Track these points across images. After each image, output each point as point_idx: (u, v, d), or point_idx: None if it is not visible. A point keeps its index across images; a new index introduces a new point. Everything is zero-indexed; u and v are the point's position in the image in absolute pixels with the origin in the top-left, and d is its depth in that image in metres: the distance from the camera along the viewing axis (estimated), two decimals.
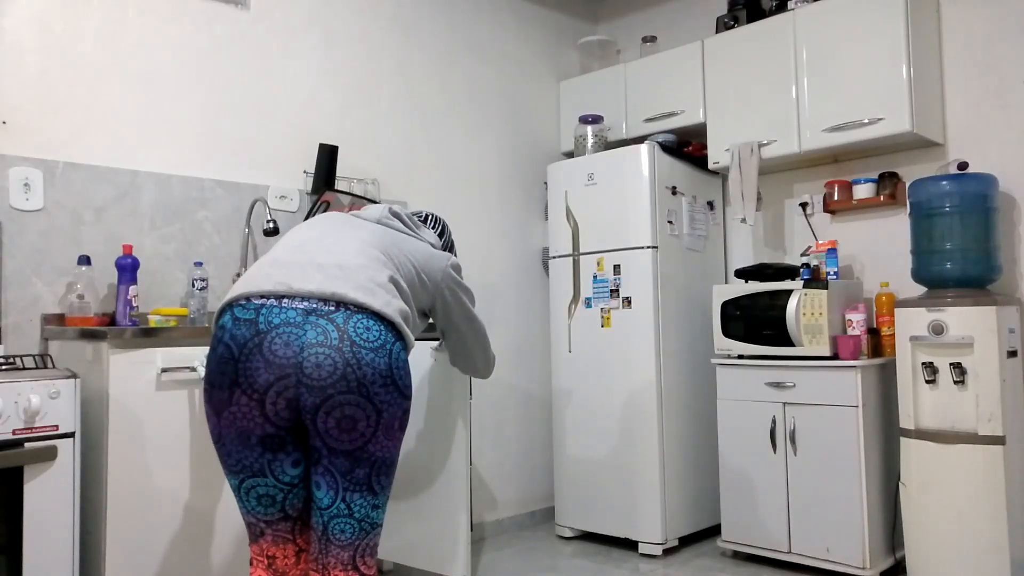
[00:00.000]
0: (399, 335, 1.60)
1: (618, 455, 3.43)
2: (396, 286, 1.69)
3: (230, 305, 1.56)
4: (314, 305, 1.51)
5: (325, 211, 3.02)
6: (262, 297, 1.52)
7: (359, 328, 1.50)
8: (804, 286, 3.05)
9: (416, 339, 2.84)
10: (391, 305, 1.58)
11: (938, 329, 2.70)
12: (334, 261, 1.61)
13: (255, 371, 1.47)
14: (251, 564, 1.66)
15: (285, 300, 1.52)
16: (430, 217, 2.20)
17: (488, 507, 3.71)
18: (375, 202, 3.18)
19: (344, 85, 3.31)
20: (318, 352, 1.46)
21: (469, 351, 2.16)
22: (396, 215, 1.94)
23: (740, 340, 3.23)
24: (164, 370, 2.16)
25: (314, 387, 1.46)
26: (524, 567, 3.21)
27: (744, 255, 3.75)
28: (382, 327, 1.55)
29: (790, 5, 3.32)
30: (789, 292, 3.08)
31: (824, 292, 2.99)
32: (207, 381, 1.55)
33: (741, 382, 3.19)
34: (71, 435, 2.02)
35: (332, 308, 1.51)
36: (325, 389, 1.46)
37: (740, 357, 3.24)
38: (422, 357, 2.71)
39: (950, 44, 3.14)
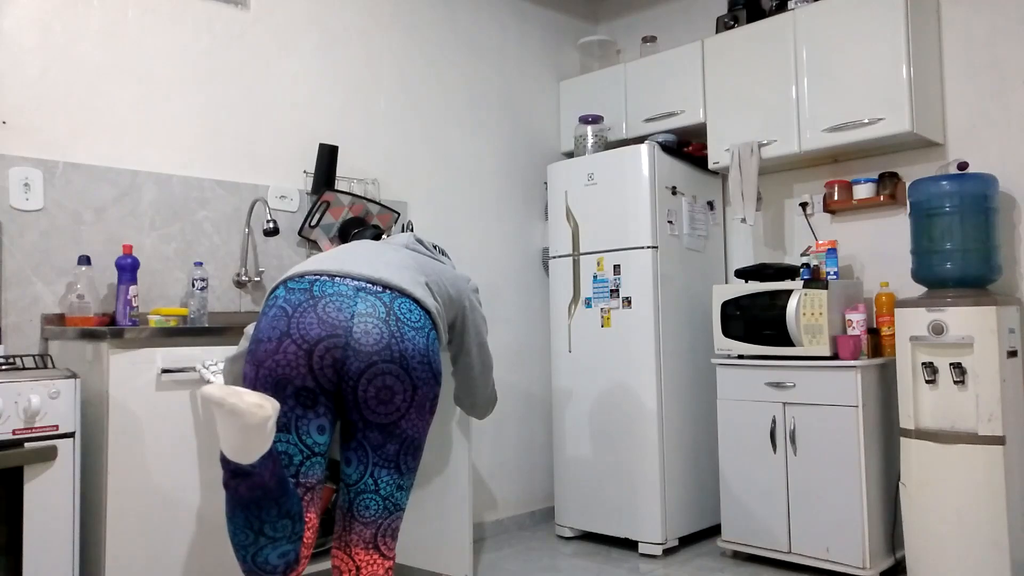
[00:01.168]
0: (435, 326, 1.70)
1: (618, 455, 3.43)
2: (430, 291, 1.79)
3: (283, 282, 1.68)
4: (363, 285, 1.61)
5: (325, 211, 3.03)
6: (316, 275, 1.62)
7: (403, 308, 1.60)
8: (804, 286, 3.05)
9: None
10: (429, 299, 1.69)
11: (938, 329, 2.70)
12: (381, 261, 1.72)
13: (308, 325, 1.55)
14: None
15: (338, 278, 1.62)
16: (437, 247, 2.27)
17: (488, 507, 3.71)
18: (375, 202, 3.18)
19: (344, 85, 3.31)
20: (367, 320, 1.55)
21: (474, 382, 2.19)
22: (419, 241, 2.06)
23: (740, 340, 3.23)
24: (164, 370, 2.16)
25: (360, 351, 1.54)
26: (524, 567, 3.21)
27: (744, 255, 3.75)
28: (422, 313, 1.65)
29: (790, 5, 3.32)
30: (789, 292, 3.08)
31: (824, 292, 2.99)
32: (254, 339, 1.62)
33: (741, 382, 3.19)
34: (71, 435, 2.02)
35: (379, 289, 1.61)
36: (371, 355, 1.53)
37: (740, 357, 3.24)
38: None
39: (950, 44, 3.14)
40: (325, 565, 2.48)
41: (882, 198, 3.22)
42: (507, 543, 3.58)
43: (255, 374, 1.60)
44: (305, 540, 1.72)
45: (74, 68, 2.61)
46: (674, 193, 3.51)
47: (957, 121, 3.13)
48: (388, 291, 1.61)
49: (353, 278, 1.62)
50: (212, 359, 2.17)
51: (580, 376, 3.59)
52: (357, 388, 1.55)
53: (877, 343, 3.08)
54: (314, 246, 3.09)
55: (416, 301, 1.66)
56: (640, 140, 3.65)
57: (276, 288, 1.69)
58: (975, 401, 2.65)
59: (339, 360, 1.55)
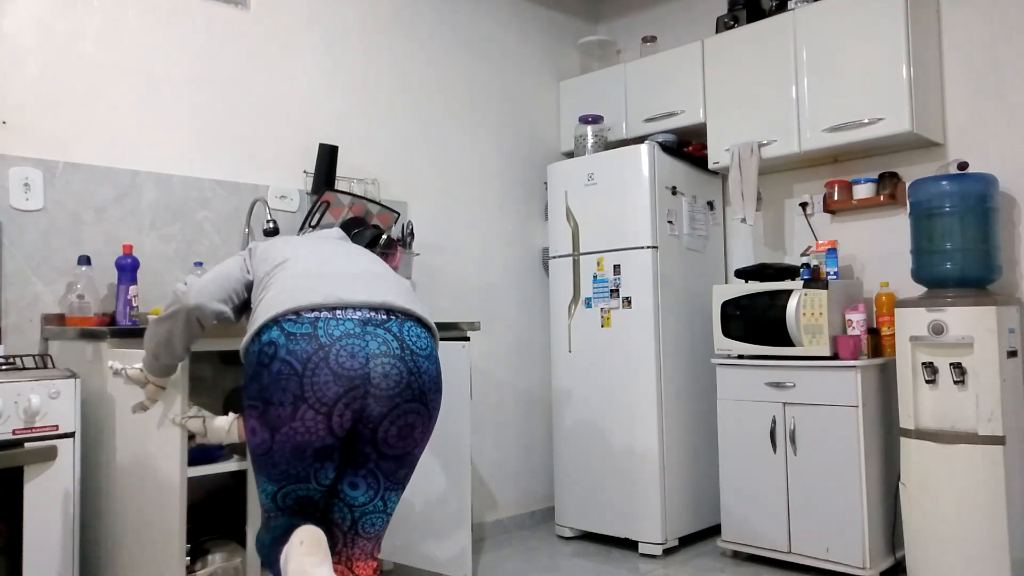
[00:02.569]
0: (435, 340, 1.66)
1: (618, 455, 3.43)
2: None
3: (276, 321, 1.51)
4: (368, 315, 1.51)
5: (325, 211, 3.03)
6: (313, 310, 1.49)
7: (412, 336, 1.53)
8: (804, 286, 3.05)
9: None
10: (426, 311, 1.63)
11: (938, 329, 2.70)
12: (365, 270, 1.63)
13: (324, 385, 1.45)
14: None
15: (339, 311, 1.50)
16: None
17: (488, 507, 3.71)
18: (375, 202, 3.18)
19: (344, 85, 3.31)
20: (384, 362, 1.47)
21: None
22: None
23: (740, 340, 3.22)
24: None
25: (382, 397, 1.48)
26: (524, 567, 3.21)
27: (744, 255, 3.75)
28: (427, 334, 1.60)
29: (790, 5, 3.32)
30: (789, 292, 3.08)
31: (824, 292, 2.99)
32: (260, 399, 1.49)
33: (741, 382, 3.19)
34: (71, 435, 2.02)
35: (384, 317, 1.52)
36: (392, 399, 1.48)
37: (740, 357, 3.24)
38: None
39: (950, 44, 3.14)
40: None
41: (882, 198, 3.22)
42: (507, 543, 3.58)
43: (271, 439, 1.50)
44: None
45: (74, 68, 2.61)
46: (674, 193, 3.50)
47: (957, 121, 3.13)
48: (393, 317, 1.52)
49: (355, 307, 1.50)
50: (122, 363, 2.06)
51: (580, 376, 3.59)
52: (377, 430, 1.51)
53: (877, 343, 3.08)
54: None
55: (419, 320, 1.59)
56: (640, 140, 3.65)
57: (269, 328, 1.51)
58: (975, 401, 2.64)
59: (359, 410, 1.48)
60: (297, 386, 1.44)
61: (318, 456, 1.52)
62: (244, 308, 1.82)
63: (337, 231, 2.02)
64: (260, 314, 1.53)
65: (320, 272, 1.61)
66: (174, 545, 1.94)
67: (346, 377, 1.44)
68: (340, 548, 1.62)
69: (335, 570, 1.66)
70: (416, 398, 1.51)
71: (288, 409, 1.45)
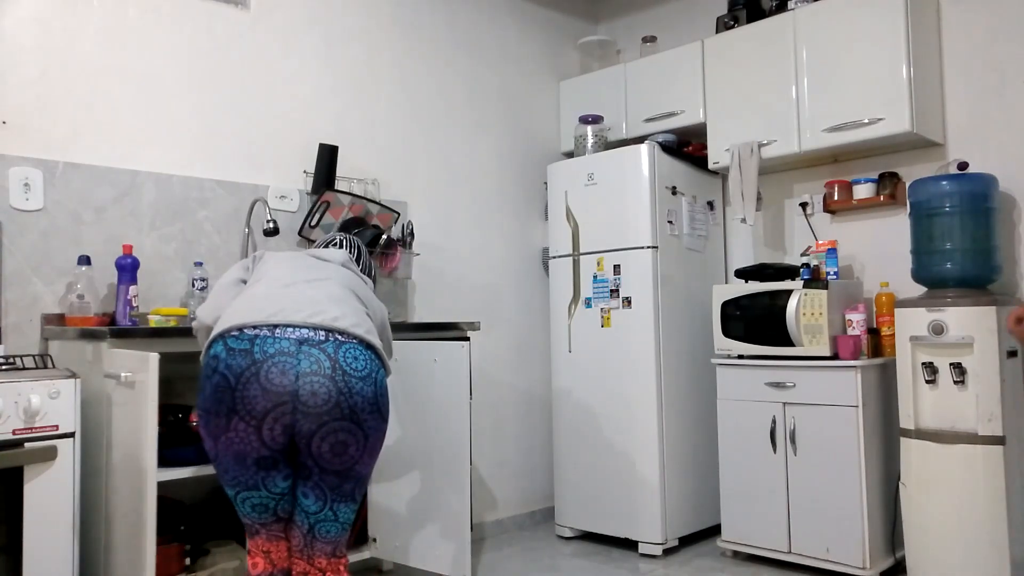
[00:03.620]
0: (382, 362, 1.70)
1: (618, 455, 3.43)
2: (371, 319, 1.82)
3: (222, 336, 1.60)
4: (306, 335, 1.57)
5: (325, 211, 3.03)
6: (255, 328, 1.57)
7: (348, 357, 1.58)
8: (804, 286, 3.05)
9: (408, 339, 2.84)
10: (373, 333, 1.68)
11: (938, 329, 2.70)
12: (322, 294, 1.69)
13: (253, 399, 1.53)
14: (249, 554, 1.79)
15: (278, 330, 1.57)
16: (344, 241, 2.21)
17: (488, 507, 3.71)
18: (375, 202, 3.18)
19: (344, 85, 3.31)
20: (313, 380, 1.53)
21: None
22: (356, 260, 2.09)
23: (740, 340, 3.22)
24: None
25: (310, 414, 1.54)
26: (524, 567, 3.21)
27: (744, 255, 3.75)
28: (368, 355, 1.64)
29: (790, 5, 3.32)
30: (789, 292, 3.08)
31: (824, 292, 2.99)
32: (202, 408, 1.61)
33: (741, 382, 3.19)
34: (71, 435, 2.02)
35: (322, 338, 1.58)
36: (320, 416, 1.54)
37: (740, 357, 3.24)
38: (422, 358, 2.71)
39: (950, 44, 3.14)
40: None
41: (882, 198, 3.22)
42: (507, 543, 3.58)
43: (214, 445, 1.63)
44: (294, 556, 1.78)
45: (74, 68, 2.61)
46: (674, 193, 3.50)
47: (957, 121, 3.13)
48: (332, 338, 1.58)
49: (294, 327, 1.57)
50: None
51: (580, 376, 3.59)
52: (311, 445, 1.58)
53: (877, 343, 3.08)
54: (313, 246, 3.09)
55: (361, 342, 1.63)
56: (640, 140, 3.65)
57: (216, 342, 1.62)
58: (975, 401, 2.64)
59: (289, 425, 1.56)
60: (230, 399, 1.54)
61: (260, 465, 1.61)
62: None
63: (333, 252, 2.03)
64: (214, 329, 1.65)
65: (273, 293, 1.69)
66: (147, 547, 1.94)
67: (274, 393, 1.51)
68: (302, 547, 1.72)
69: (296, 565, 1.76)
70: (346, 417, 1.55)
71: (223, 420, 1.56)
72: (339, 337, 1.59)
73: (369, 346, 1.65)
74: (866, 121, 3.02)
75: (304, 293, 1.68)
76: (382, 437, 1.70)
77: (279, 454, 1.63)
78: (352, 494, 1.71)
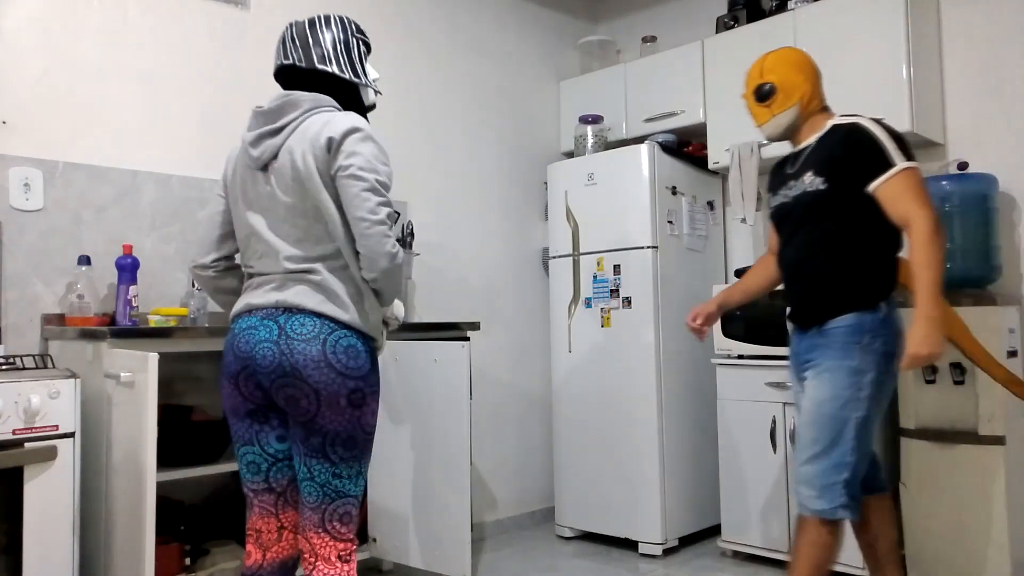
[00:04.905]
0: (342, 324, 1.76)
1: (618, 455, 3.43)
2: (325, 261, 1.78)
3: (232, 320, 1.88)
4: (268, 311, 1.78)
5: None
6: (237, 315, 1.84)
7: (294, 324, 1.74)
8: None
9: (408, 339, 2.84)
10: (324, 304, 1.76)
11: None
12: (279, 268, 1.80)
13: (229, 363, 1.80)
14: (246, 540, 1.86)
15: (252, 312, 1.81)
16: (318, 21, 1.88)
17: (488, 507, 3.71)
18: None
19: None
20: (264, 346, 1.73)
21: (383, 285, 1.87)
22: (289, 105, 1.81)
23: (740, 340, 3.22)
24: None
25: (263, 373, 1.73)
26: (524, 567, 3.21)
27: (744, 255, 3.75)
28: (317, 321, 1.74)
29: (790, 5, 3.32)
30: None
31: None
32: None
33: (741, 382, 3.19)
34: (71, 435, 2.02)
35: (279, 312, 1.76)
36: (269, 375, 1.73)
37: (740, 357, 3.24)
38: (422, 358, 2.71)
39: (950, 44, 3.14)
40: None
41: None
42: (507, 543, 3.58)
43: (223, 405, 1.87)
44: (284, 540, 1.82)
45: (74, 68, 2.61)
46: (674, 193, 3.50)
47: (957, 121, 3.12)
48: (284, 311, 1.75)
49: (260, 308, 1.78)
50: None
51: (580, 376, 3.59)
52: (276, 399, 1.76)
53: None
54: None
55: (311, 313, 1.75)
56: (640, 140, 3.65)
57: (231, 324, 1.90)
58: (975, 401, 2.64)
59: (256, 383, 1.77)
60: (222, 366, 1.85)
61: (253, 417, 1.81)
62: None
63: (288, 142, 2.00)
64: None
65: (251, 283, 1.88)
66: (146, 547, 1.95)
67: (241, 357, 1.77)
68: (298, 520, 1.81)
69: (287, 538, 1.84)
70: (287, 374, 1.71)
71: (221, 382, 1.86)
72: (292, 310, 1.75)
73: (320, 315, 1.75)
74: None
75: (268, 270, 1.82)
76: (347, 393, 1.72)
77: (266, 408, 1.80)
78: (323, 451, 1.74)
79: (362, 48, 1.91)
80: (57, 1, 2.59)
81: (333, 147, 1.72)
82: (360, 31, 1.91)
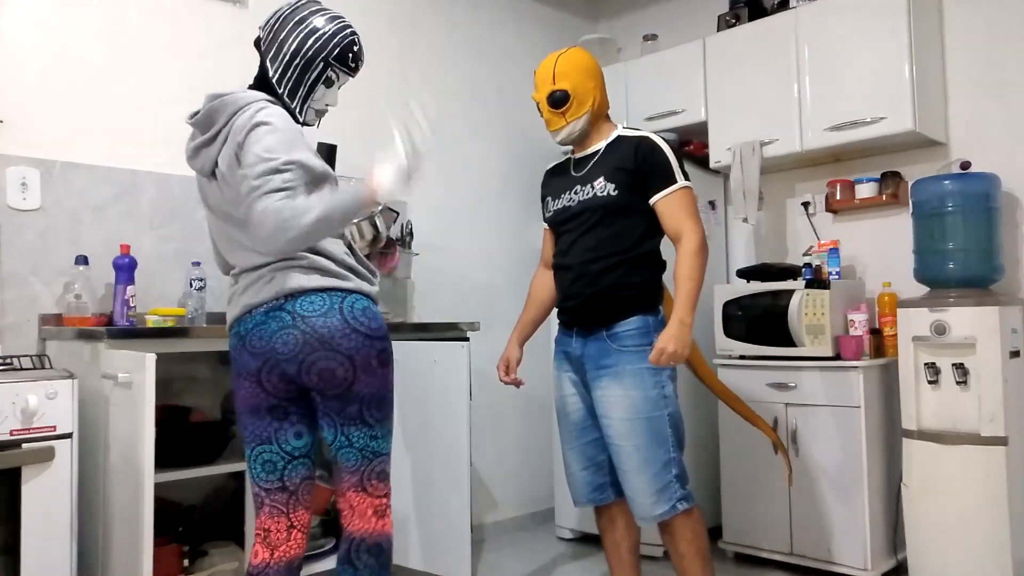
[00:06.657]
0: (346, 290, 1.78)
1: None
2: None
3: (230, 327, 1.87)
4: (270, 304, 1.76)
5: None
6: (239, 320, 1.82)
7: (304, 305, 1.74)
8: (806, 286, 3.04)
9: (408, 339, 2.83)
10: (324, 279, 1.77)
11: (940, 329, 2.68)
12: (262, 262, 1.79)
13: (246, 362, 1.78)
14: (254, 539, 1.85)
15: (248, 314, 1.79)
16: (304, 24, 1.86)
17: (488, 508, 3.70)
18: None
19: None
20: (281, 334, 1.73)
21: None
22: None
23: (742, 340, 3.21)
24: None
25: (288, 358, 1.72)
26: (524, 568, 3.20)
27: (746, 255, 3.74)
28: (324, 296, 1.76)
29: (792, 3, 3.31)
30: (791, 292, 3.07)
31: (826, 292, 2.98)
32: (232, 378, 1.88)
33: (743, 382, 3.18)
34: (69, 436, 2.01)
35: (283, 300, 1.75)
36: (296, 356, 1.72)
37: (742, 357, 3.23)
38: (422, 358, 2.71)
39: (952, 43, 3.13)
40: (325, 566, 2.48)
41: (884, 197, 3.20)
42: (507, 544, 3.57)
43: (239, 407, 1.84)
44: (293, 540, 1.83)
45: (74, 68, 2.60)
46: None
47: (959, 120, 3.11)
48: (287, 299, 1.74)
49: (258, 305, 1.76)
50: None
51: None
52: (304, 382, 1.75)
53: (879, 343, 3.07)
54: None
55: (311, 290, 1.75)
56: None
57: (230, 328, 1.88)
58: (977, 402, 2.63)
59: (280, 373, 1.75)
60: (235, 368, 1.83)
61: (273, 414, 1.80)
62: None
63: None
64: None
65: (237, 286, 1.87)
66: (144, 548, 1.94)
67: (259, 354, 1.75)
68: (335, 483, 1.85)
69: (296, 538, 1.85)
70: (318, 348, 1.70)
71: (236, 383, 1.83)
72: (294, 295, 1.74)
73: (319, 288, 1.75)
74: (868, 120, 3.00)
75: (249, 266, 1.81)
76: (377, 354, 1.76)
77: (288, 403, 1.80)
78: (361, 416, 1.77)
79: (327, 74, 1.89)
80: (57, 1, 2.58)
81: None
82: (340, 59, 1.88)
